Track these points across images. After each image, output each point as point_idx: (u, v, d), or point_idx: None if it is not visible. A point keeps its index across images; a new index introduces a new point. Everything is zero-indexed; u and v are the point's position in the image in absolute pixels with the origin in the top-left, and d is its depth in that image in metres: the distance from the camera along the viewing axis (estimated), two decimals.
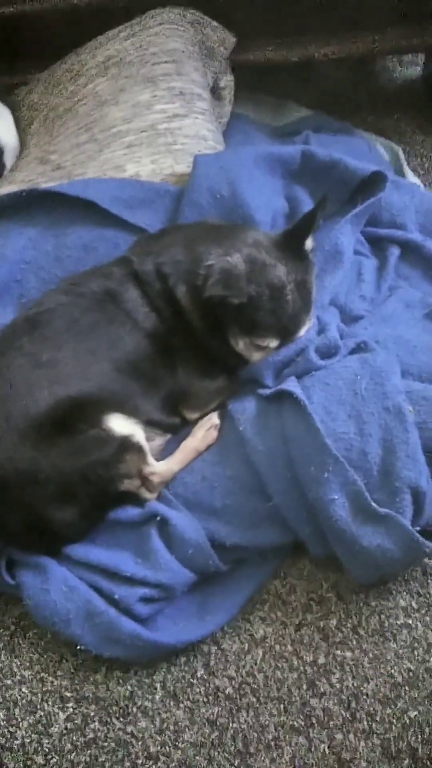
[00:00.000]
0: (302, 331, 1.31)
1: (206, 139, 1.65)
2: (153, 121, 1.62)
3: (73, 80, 1.76)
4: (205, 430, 1.30)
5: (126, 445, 1.21)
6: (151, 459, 1.25)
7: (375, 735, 1.11)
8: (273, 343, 1.29)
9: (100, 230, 1.49)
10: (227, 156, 1.61)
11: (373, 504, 1.16)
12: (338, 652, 1.20)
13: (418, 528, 1.17)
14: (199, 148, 1.59)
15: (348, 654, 1.20)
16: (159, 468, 1.26)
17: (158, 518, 1.22)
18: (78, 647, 1.18)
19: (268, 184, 1.60)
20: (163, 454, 1.31)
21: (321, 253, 1.46)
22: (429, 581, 1.27)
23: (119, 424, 1.20)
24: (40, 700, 1.19)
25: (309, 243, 1.32)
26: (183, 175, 1.57)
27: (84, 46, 1.81)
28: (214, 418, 1.32)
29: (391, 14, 2.01)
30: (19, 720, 1.17)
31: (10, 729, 1.16)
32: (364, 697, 1.15)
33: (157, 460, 1.28)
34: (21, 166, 1.71)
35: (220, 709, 1.16)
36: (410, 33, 2.02)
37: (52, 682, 1.20)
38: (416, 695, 1.15)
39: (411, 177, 1.91)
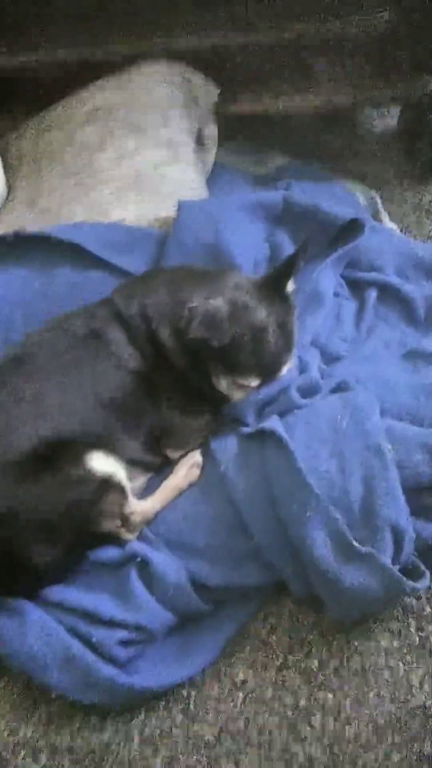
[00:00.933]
0: (284, 371, 1.33)
1: (190, 185, 1.70)
2: (139, 168, 1.67)
3: (61, 127, 1.82)
4: (187, 469, 1.31)
5: (107, 484, 1.21)
6: (132, 498, 1.25)
7: None
8: (254, 382, 1.31)
9: (86, 272, 1.52)
10: (211, 202, 1.67)
11: (355, 542, 1.16)
12: (320, 694, 1.19)
13: (398, 566, 1.18)
14: (183, 194, 1.64)
15: (329, 696, 1.19)
16: (140, 507, 1.26)
17: (138, 559, 1.22)
18: (53, 694, 1.15)
19: (251, 229, 1.65)
20: (144, 493, 1.31)
21: (302, 295, 1.50)
22: (410, 620, 1.27)
23: (101, 463, 1.21)
24: (10, 752, 1.15)
25: (290, 285, 1.36)
26: (167, 219, 1.61)
27: (73, 94, 1.88)
28: (196, 457, 1.33)
29: (369, 69, 2.11)
30: None
31: None
32: (346, 741, 1.14)
33: (139, 499, 1.28)
34: (9, 209, 1.75)
35: (199, 757, 1.13)
36: (387, 87, 2.13)
37: (24, 733, 1.17)
38: (398, 739, 1.14)
39: (388, 222, 1.98)
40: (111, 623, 1.15)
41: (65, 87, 1.95)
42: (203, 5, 1.93)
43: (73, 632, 1.15)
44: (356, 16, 2.00)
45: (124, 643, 1.15)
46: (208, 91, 1.94)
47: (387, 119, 2.40)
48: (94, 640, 1.13)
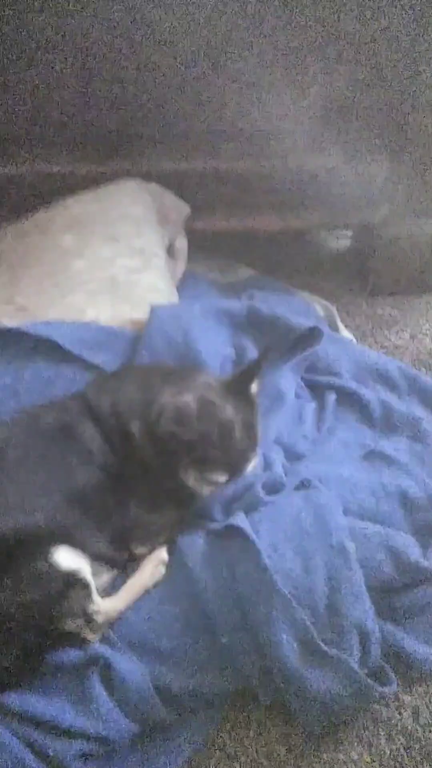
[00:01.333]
0: (249, 467, 1.37)
1: (161, 291, 1.80)
2: (114, 273, 1.77)
3: (40, 233, 1.93)
4: (153, 566, 1.29)
5: (71, 580, 1.18)
6: (96, 596, 1.22)
7: None
8: (222, 477, 1.34)
9: (59, 367, 1.56)
10: (181, 307, 1.77)
11: (322, 644, 1.15)
12: None
13: (365, 671, 1.17)
14: (155, 298, 1.74)
15: None
16: (104, 606, 1.23)
17: (101, 662, 1.17)
18: None
19: (218, 333, 1.75)
20: (109, 590, 1.28)
21: (265, 395, 1.57)
22: (379, 730, 1.23)
23: (65, 558, 1.18)
24: None
25: (254, 386, 1.43)
26: (139, 321, 1.69)
27: (53, 204, 2.02)
28: (162, 554, 1.31)
29: (324, 197, 2.35)
30: None
31: None
32: None
33: (103, 596, 1.25)
34: None
35: None
36: (340, 213, 2.36)
37: None
38: None
39: (344, 332, 2.12)
40: (69, 734, 1.08)
41: (45, 198, 2.09)
42: (177, 135, 2.15)
43: (28, 744, 1.07)
44: (314, 152, 2.26)
45: (83, 757, 1.08)
46: (178, 209, 2.11)
47: (341, 240, 2.64)
48: (51, 753, 1.05)
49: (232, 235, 2.32)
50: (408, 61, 2.05)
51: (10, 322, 1.66)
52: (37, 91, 2.05)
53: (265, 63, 2.05)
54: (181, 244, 2.12)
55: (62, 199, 2.06)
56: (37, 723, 1.09)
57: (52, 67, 2.01)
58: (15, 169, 2.15)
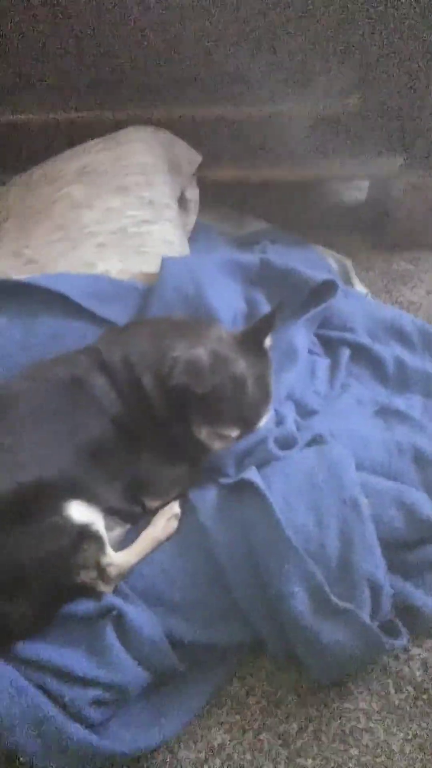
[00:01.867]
0: (262, 422, 1.35)
1: (173, 243, 1.76)
2: (123, 225, 1.72)
3: (49, 184, 1.88)
4: (165, 520, 1.29)
5: (85, 534, 1.18)
6: (109, 549, 1.22)
7: None
8: (234, 432, 1.32)
9: (69, 321, 1.54)
10: (193, 259, 1.72)
11: (333, 598, 1.15)
12: (299, 760, 1.14)
13: (377, 623, 1.17)
14: (166, 251, 1.69)
15: (309, 762, 1.14)
16: (117, 559, 1.23)
17: (114, 613, 1.18)
18: (20, 759, 1.08)
19: (230, 287, 1.71)
20: (122, 544, 1.28)
21: (277, 351, 1.54)
22: (389, 681, 1.24)
23: (79, 512, 1.18)
24: None
25: (268, 341, 1.40)
26: (150, 274, 1.66)
27: (61, 154, 1.95)
28: (174, 508, 1.31)
29: (339, 146, 2.27)
30: None
31: None
32: None
33: (116, 550, 1.25)
34: None
35: None
36: (356, 163, 2.28)
37: None
38: None
39: (359, 287, 2.07)
40: (84, 681, 1.10)
41: (55, 147, 2.03)
42: (189, 80, 2.06)
43: (44, 690, 1.09)
44: (330, 98, 2.17)
45: (97, 704, 1.10)
46: (190, 158, 2.04)
47: (356, 192, 2.56)
48: (66, 699, 1.07)
49: (244, 186, 2.25)
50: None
51: (20, 275, 1.63)
52: (41, 37, 1.97)
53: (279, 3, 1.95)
54: (193, 194, 2.05)
55: (71, 149, 2.00)
56: (52, 671, 1.11)
57: (57, 12, 1.92)
58: (22, 117, 2.08)
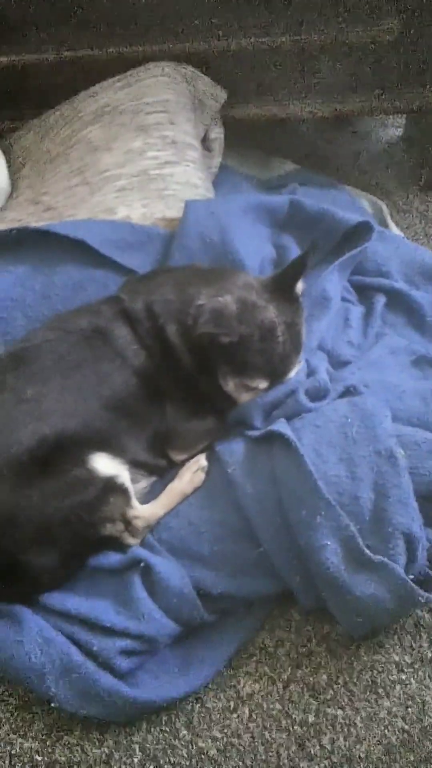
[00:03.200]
0: (292, 373, 1.30)
1: (197, 186, 1.68)
2: (145, 167, 1.64)
3: (66, 126, 1.80)
4: (192, 473, 1.27)
5: (110, 486, 1.17)
6: (135, 502, 1.21)
7: None
8: (262, 384, 1.27)
9: (89, 270, 1.49)
10: (217, 203, 1.64)
11: (366, 550, 1.12)
12: (329, 710, 1.14)
13: (411, 576, 1.14)
14: (190, 195, 1.62)
15: (339, 713, 1.14)
16: (143, 512, 1.22)
17: (141, 565, 1.17)
18: (52, 705, 1.10)
19: (257, 232, 1.63)
20: (147, 497, 1.27)
21: (308, 299, 1.47)
22: (422, 635, 1.22)
23: (104, 464, 1.17)
24: (7, 765, 1.09)
25: (299, 287, 1.33)
26: (173, 219, 1.59)
27: (78, 94, 1.86)
28: (201, 461, 1.28)
29: (374, 78, 2.11)
30: None
31: None
32: (357, 760, 1.09)
33: (142, 503, 1.24)
34: (12, 206, 1.72)
35: None
36: (391, 97, 2.13)
37: (21, 744, 1.11)
38: (412, 758, 1.09)
39: (394, 230, 1.96)
40: (112, 632, 1.10)
41: (71, 87, 1.93)
42: (212, 9, 1.92)
43: (73, 640, 1.09)
44: (364, 24, 2.00)
45: (126, 653, 1.10)
46: (214, 95, 1.92)
47: (392, 129, 2.41)
48: (95, 648, 1.08)
49: (271, 124, 2.13)
50: None
51: (38, 223, 1.57)
52: None
53: None
54: (217, 134, 1.95)
55: (89, 89, 1.90)
56: (80, 621, 1.11)
57: None
58: (36, 56, 1.96)
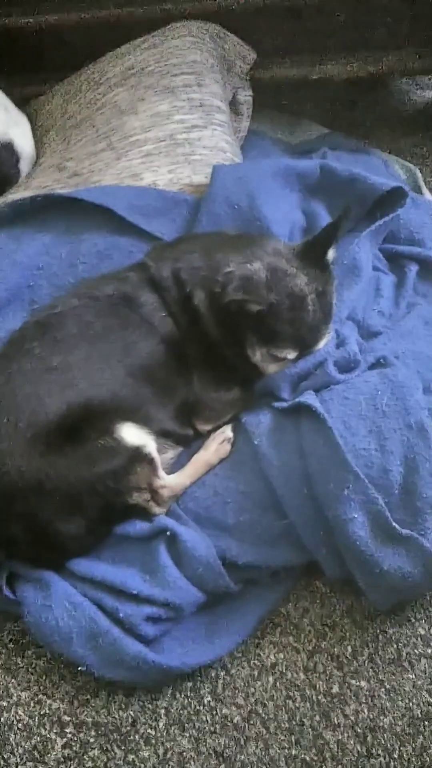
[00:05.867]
0: (321, 344, 1.27)
1: (224, 150, 1.63)
2: (172, 131, 1.60)
3: (92, 89, 1.76)
4: (218, 443, 1.26)
5: (137, 456, 1.16)
6: (161, 472, 1.21)
7: None
8: (291, 354, 1.25)
9: (115, 238, 1.46)
10: (246, 167, 1.60)
11: (395, 524, 1.11)
12: (353, 681, 1.14)
13: None
14: (218, 160, 1.57)
15: (363, 684, 1.14)
16: (170, 481, 1.22)
17: (168, 533, 1.17)
18: (79, 669, 1.11)
19: (286, 197, 1.58)
20: (174, 467, 1.26)
21: (339, 267, 1.43)
22: None
23: (131, 434, 1.16)
24: (36, 724, 1.12)
25: (331, 254, 1.29)
26: (200, 185, 1.55)
27: (104, 56, 1.81)
28: (227, 431, 1.27)
29: (409, 37, 2.02)
30: (14, 746, 1.10)
31: (4, 755, 1.09)
32: (381, 731, 1.09)
33: (168, 473, 1.23)
34: (37, 172, 1.69)
35: (227, 739, 1.09)
36: (427, 55, 2.03)
37: (50, 705, 1.14)
38: None
39: (428, 196, 1.89)
40: (138, 599, 1.11)
41: (94, 50, 1.88)
42: None
43: (100, 606, 1.11)
44: None
45: (152, 620, 1.11)
46: (244, 55, 1.86)
47: (427, 91, 2.31)
48: (121, 615, 1.09)
49: (301, 86, 2.05)
50: None
51: (63, 189, 1.55)
52: None
53: None
54: (246, 97, 1.88)
55: (113, 51, 1.85)
56: (107, 588, 1.12)
57: None
58: (60, 17, 1.91)
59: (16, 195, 1.62)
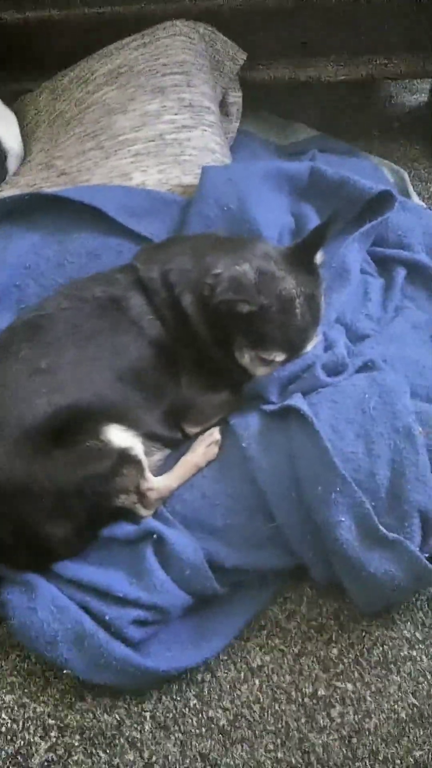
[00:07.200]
0: (309, 347, 1.27)
1: (214, 151, 1.63)
2: (161, 131, 1.60)
3: (81, 87, 1.75)
4: (205, 446, 1.26)
5: (124, 458, 1.16)
6: (149, 474, 1.20)
7: None
8: (279, 357, 1.25)
9: (104, 238, 1.46)
10: (236, 169, 1.59)
11: (382, 528, 1.11)
12: (339, 684, 1.14)
13: (426, 554, 1.13)
14: (207, 160, 1.57)
15: (349, 686, 1.14)
16: (157, 483, 1.21)
17: (154, 536, 1.16)
18: (64, 672, 1.11)
19: (276, 200, 1.58)
20: (161, 469, 1.26)
21: (327, 270, 1.43)
22: None
23: (118, 436, 1.15)
24: (20, 728, 1.11)
25: (319, 257, 1.29)
26: (190, 186, 1.54)
27: (93, 54, 1.80)
28: (215, 434, 1.27)
29: (400, 40, 2.02)
30: None
31: None
32: (366, 733, 1.09)
33: (156, 475, 1.23)
34: (24, 171, 1.68)
35: (213, 742, 1.09)
36: (418, 59, 2.04)
37: (34, 708, 1.13)
38: (421, 733, 1.09)
39: (416, 200, 1.91)
40: (125, 602, 1.10)
41: (85, 47, 1.87)
42: None
43: (86, 609, 1.10)
44: None
45: (138, 623, 1.11)
46: (234, 56, 1.86)
47: (417, 94, 2.32)
48: (107, 618, 1.09)
49: (290, 88, 2.05)
50: None
51: (51, 188, 1.54)
52: None
53: None
54: (235, 98, 1.88)
55: (103, 49, 1.83)
56: (93, 591, 1.12)
57: None
58: (49, 12, 1.89)
59: (3, 193, 1.61)
